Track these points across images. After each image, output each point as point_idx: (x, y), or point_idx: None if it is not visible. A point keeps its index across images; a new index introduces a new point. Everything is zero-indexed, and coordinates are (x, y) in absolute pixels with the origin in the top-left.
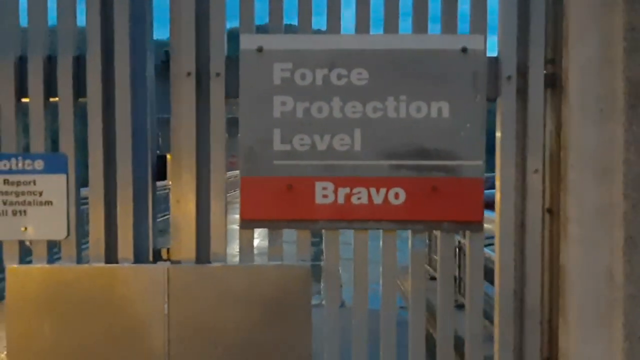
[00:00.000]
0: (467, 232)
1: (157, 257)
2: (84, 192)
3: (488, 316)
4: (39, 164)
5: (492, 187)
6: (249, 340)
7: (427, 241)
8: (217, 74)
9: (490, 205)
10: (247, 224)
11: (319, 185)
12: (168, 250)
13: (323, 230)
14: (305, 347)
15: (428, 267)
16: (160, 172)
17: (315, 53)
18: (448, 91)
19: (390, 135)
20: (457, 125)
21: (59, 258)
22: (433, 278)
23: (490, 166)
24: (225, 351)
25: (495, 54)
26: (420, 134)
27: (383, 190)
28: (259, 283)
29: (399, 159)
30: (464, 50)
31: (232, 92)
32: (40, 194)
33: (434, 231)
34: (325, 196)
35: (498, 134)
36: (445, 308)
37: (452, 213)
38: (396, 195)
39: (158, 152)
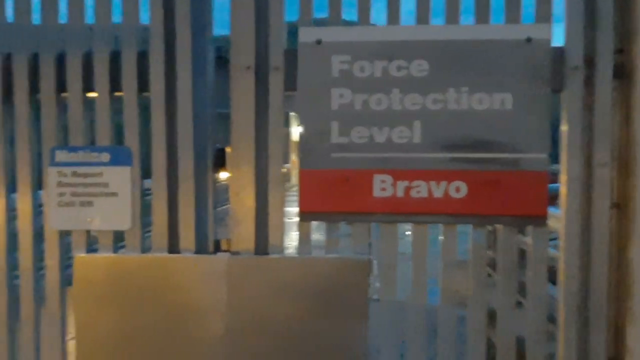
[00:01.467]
0: (530, 228)
1: (217, 248)
2: (147, 184)
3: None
4: (105, 157)
5: (555, 181)
6: (305, 332)
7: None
8: (276, 68)
9: (552, 200)
10: (305, 217)
11: (377, 178)
12: (228, 241)
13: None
14: (362, 341)
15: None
16: (220, 165)
17: (374, 45)
18: (511, 82)
19: (451, 127)
20: (521, 118)
21: (123, 247)
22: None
23: (554, 159)
24: (281, 341)
25: (561, 44)
26: (482, 126)
27: (443, 184)
28: (316, 275)
29: (460, 151)
30: (529, 40)
31: (290, 85)
32: (106, 185)
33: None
34: (383, 189)
35: (563, 127)
36: (506, 304)
37: (514, 207)
38: (457, 189)
39: (217, 145)
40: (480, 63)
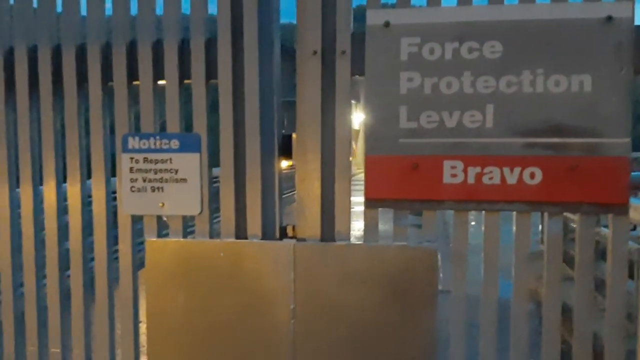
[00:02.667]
0: (610, 216)
1: (283, 234)
2: (215, 171)
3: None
4: (175, 144)
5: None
6: (371, 320)
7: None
8: (343, 52)
9: (633, 190)
10: (372, 204)
11: (447, 164)
12: (294, 227)
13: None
14: (430, 332)
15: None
16: (286, 152)
17: (444, 26)
18: (590, 63)
19: (526, 111)
20: (600, 100)
21: (192, 232)
22: None
23: (637, 146)
24: (347, 329)
25: None
26: (559, 110)
27: (517, 170)
28: (383, 263)
29: (535, 136)
30: (609, 18)
31: (357, 70)
32: (176, 171)
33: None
34: (453, 175)
35: None
36: (584, 298)
37: (593, 194)
38: (532, 175)
39: (283, 131)
40: (557, 43)
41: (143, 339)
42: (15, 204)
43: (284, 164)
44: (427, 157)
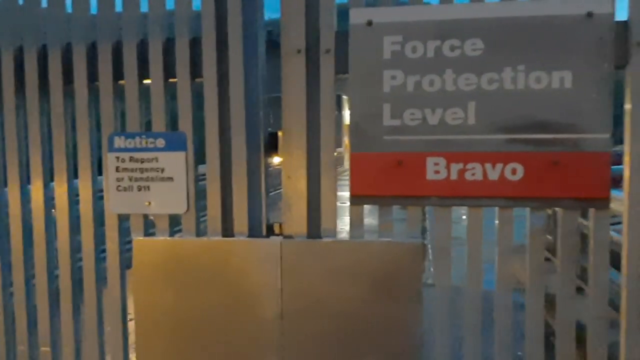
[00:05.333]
0: (591, 211)
1: (270, 232)
2: (201, 169)
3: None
4: (161, 142)
5: (620, 163)
6: (358, 315)
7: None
8: (327, 50)
9: (617, 183)
10: (357, 200)
11: (430, 161)
12: (280, 225)
13: (433, 207)
14: (416, 325)
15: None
16: (272, 149)
17: (426, 24)
18: (571, 60)
19: (507, 108)
20: (581, 96)
21: (179, 231)
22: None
23: (618, 140)
24: (334, 324)
25: (624, 18)
26: (540, 106)
27: (499, 166)
28: (369, 259)
29: (517, 132)
30: (590, 14)
31: (341, 68)
32: (162, 170)
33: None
34: (437, 172)
35: (627, 105)
36: (566, 290)
37: (574, 189)
38: (513, 171)
39: (269, 129)
40: (537, 40)
41: (132, 337)
42: (4, 203)
43: (276, 160)
44: (411, 154)
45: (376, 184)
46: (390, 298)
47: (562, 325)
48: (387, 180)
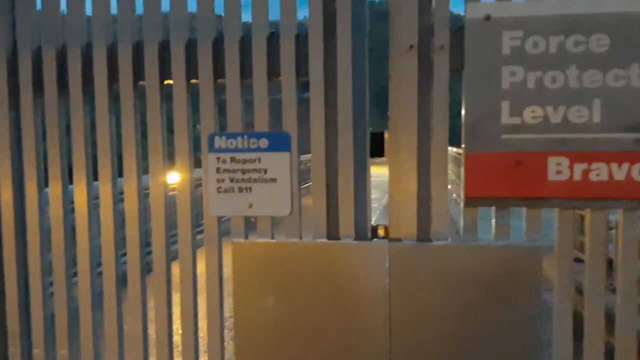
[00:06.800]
0: None
1: (374, 234)
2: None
3: None
4: (264, 143)
5: None
6: (473, 323)
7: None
8: (441, 47)
9: None
10: (472, 202)
11: (552, 161)
12: (385, 227)
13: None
14: (536, 336)
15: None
16: (378, 150)
17: (548, 19)
18: None
19: (634, 106)
20: None
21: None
22: (577, 260)
23: None
24: (447, 333)
25: None
26: None
27: (625, 166)
28: (484, 263)
29: None
30: None
31: (455, 65)
32: (265, 171)
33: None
34: (559, 172)
35: None
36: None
37: None
38: None
39: (371, 129)
40: None
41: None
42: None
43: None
44: (531, 153)
45: (492, 184)
46: (509, 305)
47: None
48: (505, 181)
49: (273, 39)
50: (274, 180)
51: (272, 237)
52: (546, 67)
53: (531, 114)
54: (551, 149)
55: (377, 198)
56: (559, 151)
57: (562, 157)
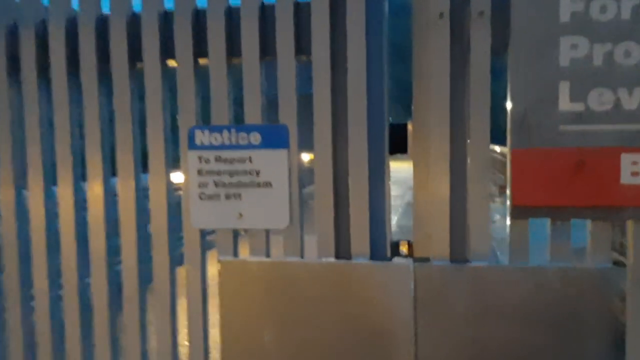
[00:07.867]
0: None
1: (394, 252)
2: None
3: None
4: (255, 138)
5: None
6: None
7: None
8: (481, 13)
9: None
10: (521, 212)
11: (626, 159)
12: (409, 244)
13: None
14: None
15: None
16: (399, 146)
17: None
18: None
19: None
20: None
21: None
22: (616, 263)
23: None
24: None
25: None
26: None
27: None
28: (539, 289)
29: None
30: None
31: (497, 38)
32: (257, 173)
33: None
34: (635, 174)
35: None
36: None
37: None
38: None
39: (390, 119)
40: None
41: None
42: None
43: (305, 157)
44: (598, 149)
45: (548, 190)
46: (572, 338)
47: None
48: (564, 185)
49: (266, 8)
50: (268, 184)
51: (267, 255)
52: (618, 38)
53: (598, 98)
54: (624, 143)
55: (399, 195)
56: (634, 147)
57: (639, 155)
